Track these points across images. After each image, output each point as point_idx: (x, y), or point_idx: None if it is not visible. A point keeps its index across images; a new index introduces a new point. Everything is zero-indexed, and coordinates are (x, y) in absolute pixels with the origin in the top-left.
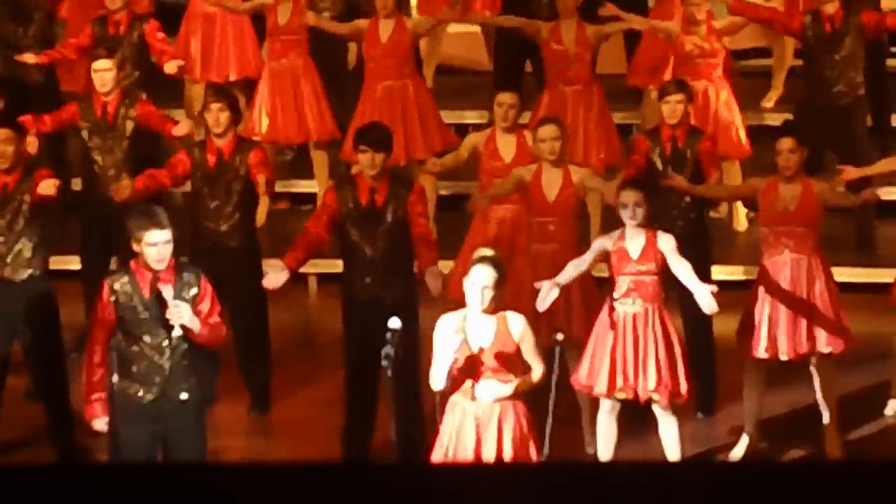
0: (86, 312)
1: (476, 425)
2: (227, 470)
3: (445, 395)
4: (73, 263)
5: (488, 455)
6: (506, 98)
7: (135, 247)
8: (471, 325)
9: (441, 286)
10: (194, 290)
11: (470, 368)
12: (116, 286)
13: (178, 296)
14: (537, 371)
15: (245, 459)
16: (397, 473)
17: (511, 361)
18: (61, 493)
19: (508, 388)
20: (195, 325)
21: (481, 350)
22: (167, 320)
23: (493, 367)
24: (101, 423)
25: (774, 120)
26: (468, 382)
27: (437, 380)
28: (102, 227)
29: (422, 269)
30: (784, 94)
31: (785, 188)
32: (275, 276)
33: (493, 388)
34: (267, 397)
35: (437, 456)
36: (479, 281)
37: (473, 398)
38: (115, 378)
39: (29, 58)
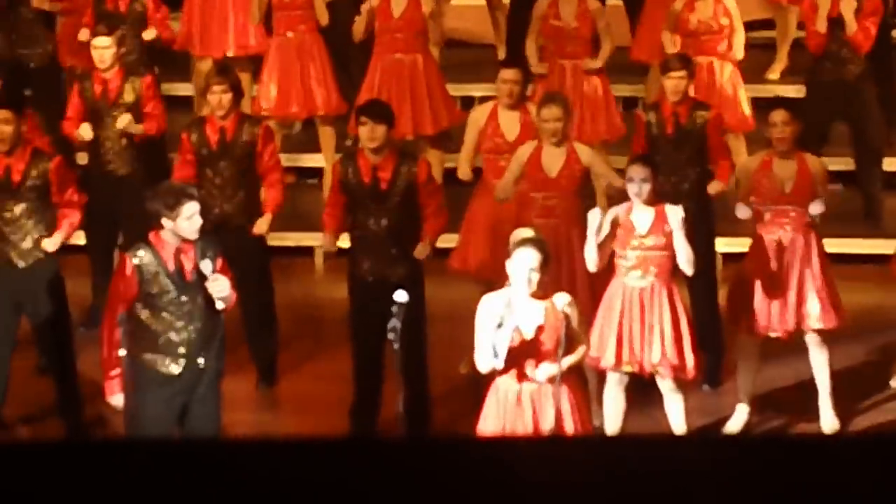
0: (92, 287)
1: (532, 406)
2: (235, 444)
3: (489, 378)
4: (79, 238)
5: (546, 431)
6: (509, 74)
7: (166, 223)
8: (518, 309)
9: (424, 255)
10: (215, 261)
11: (525, 353)
12: (139, 260)
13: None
14: (582, 347)
15: (252, 434)
16: (405, 447)
17: (556, 344)
18: (71, 468)
19: (560, 367)
20: (232, 297)
21: (536, 333)
22: (191, 291)
23: (548, 350)
24: (118, 399)
25: (779, 92)
26: (516, 364)
27: (484, 362)
28: (108, 203)
29: (420, 238)
30: (788, 66)
31: (780, 165)
32: (327, 246)
33: (547, 369)
34: (274, 372)
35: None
36: (525, 264)
37: (524, 380)
38: (123, 352)
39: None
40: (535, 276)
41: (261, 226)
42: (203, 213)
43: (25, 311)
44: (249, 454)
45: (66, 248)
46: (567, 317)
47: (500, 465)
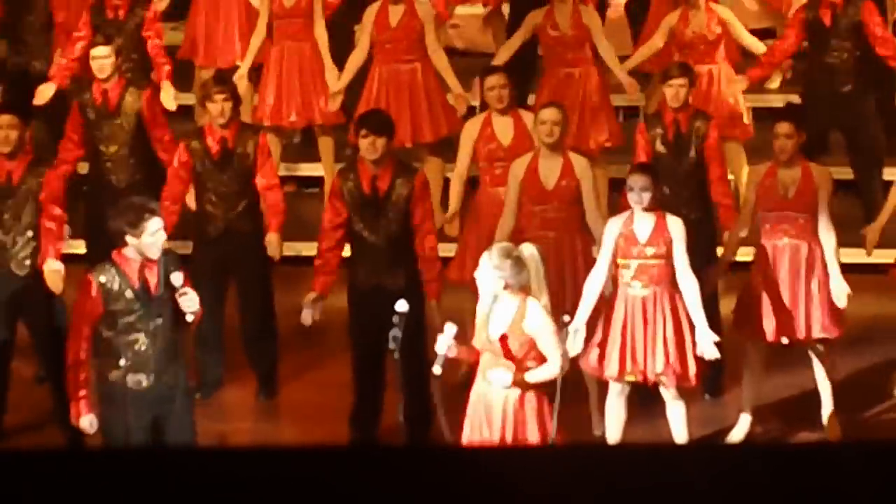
0: None
1: (485, 410)
2: (235, 453)
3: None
4: (79, 247)
5: (491, 440)
6: (493, 80)
7: (131, 240)
8: (497, 304)
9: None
10: (179, 274)
11: (492, 356)
12: (103, 279)
13: (167, 281)
14: (551, 365)
15: (253, 443)
16: (405, 455)
17: (519, 351)
18: (69, 477)
19: (511, 378)
20: (198, 311)
21: (500, 337)
22: (157, 306)
23: (515, 355)
24: (87, 421)
25: (779, 101)
26: (486, 366)
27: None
28: (108, 212)
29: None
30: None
31: (784, 173)
32: (308, 312)
33: (501, 375)
34: (274, 381)
35: (463, 436)
36: (482, 271)
37: (488, 381)
38: (124, 362)
39: (47, 89)
40: (486, 283)
41: (273, 249)
42: (204, 223)
43: (24, 319)
44: (250, 463)
45: (66, 257)
46: (535, 332)
47: (501, 474)
